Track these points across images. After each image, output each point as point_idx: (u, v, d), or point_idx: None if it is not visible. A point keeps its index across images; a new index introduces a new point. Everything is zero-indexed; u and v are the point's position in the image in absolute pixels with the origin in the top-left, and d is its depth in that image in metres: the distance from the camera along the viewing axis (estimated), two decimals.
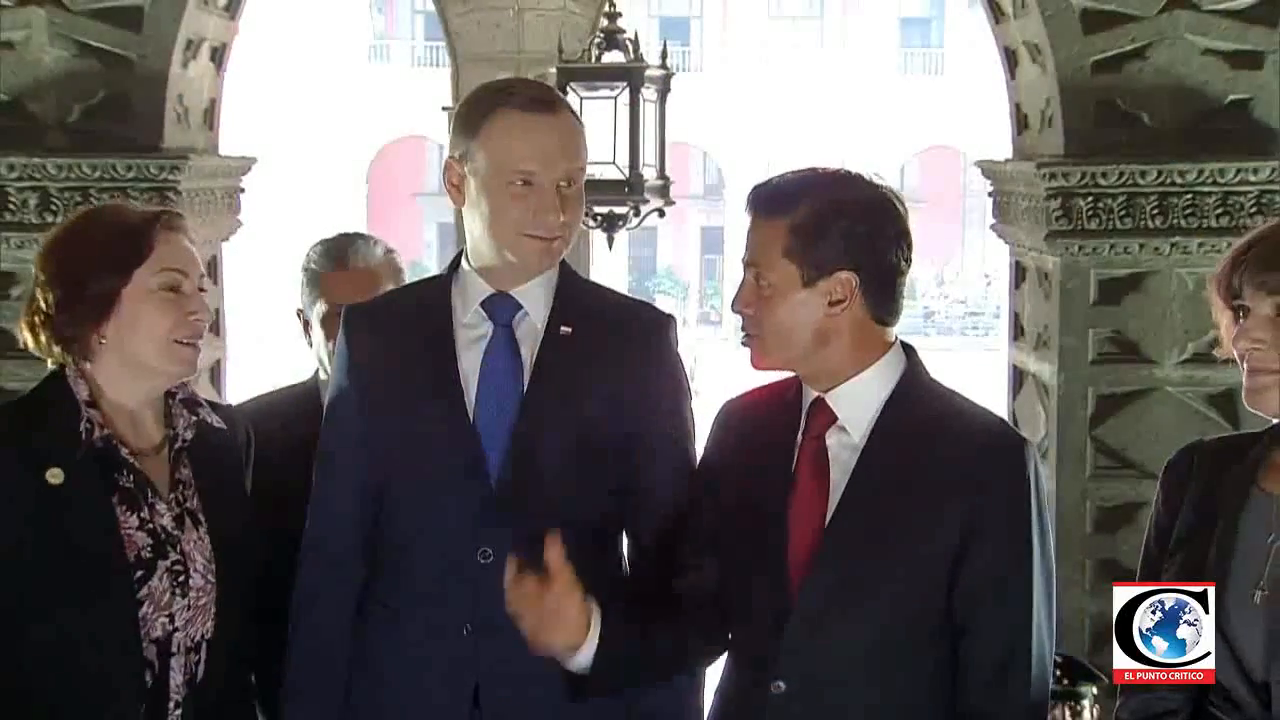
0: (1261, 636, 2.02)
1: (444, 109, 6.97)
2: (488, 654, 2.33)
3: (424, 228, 28.25)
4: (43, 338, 2.28)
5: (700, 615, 2.26)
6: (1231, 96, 4.43)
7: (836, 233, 2.14)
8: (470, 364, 2.38)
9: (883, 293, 2.18)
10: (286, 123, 24.60)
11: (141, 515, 2.23)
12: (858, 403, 2.19)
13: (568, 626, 2.12)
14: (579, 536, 2.35)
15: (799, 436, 2.22)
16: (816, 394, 2.21)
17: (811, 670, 2.12)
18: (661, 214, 5.41)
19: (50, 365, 2.29)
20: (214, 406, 2.44)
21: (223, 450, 2.38)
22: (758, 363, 2.22)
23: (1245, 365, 2.07)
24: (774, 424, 2.25)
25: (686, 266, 31.50)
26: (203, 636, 2.26)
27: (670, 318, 2.50)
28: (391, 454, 2.39)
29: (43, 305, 2.27)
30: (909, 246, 2.20)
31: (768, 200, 2.20)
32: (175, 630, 2.22)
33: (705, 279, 31.45)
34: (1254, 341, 2.05)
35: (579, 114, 2.53)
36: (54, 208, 4.55)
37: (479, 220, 2.37)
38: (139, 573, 2.19)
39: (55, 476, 2.17)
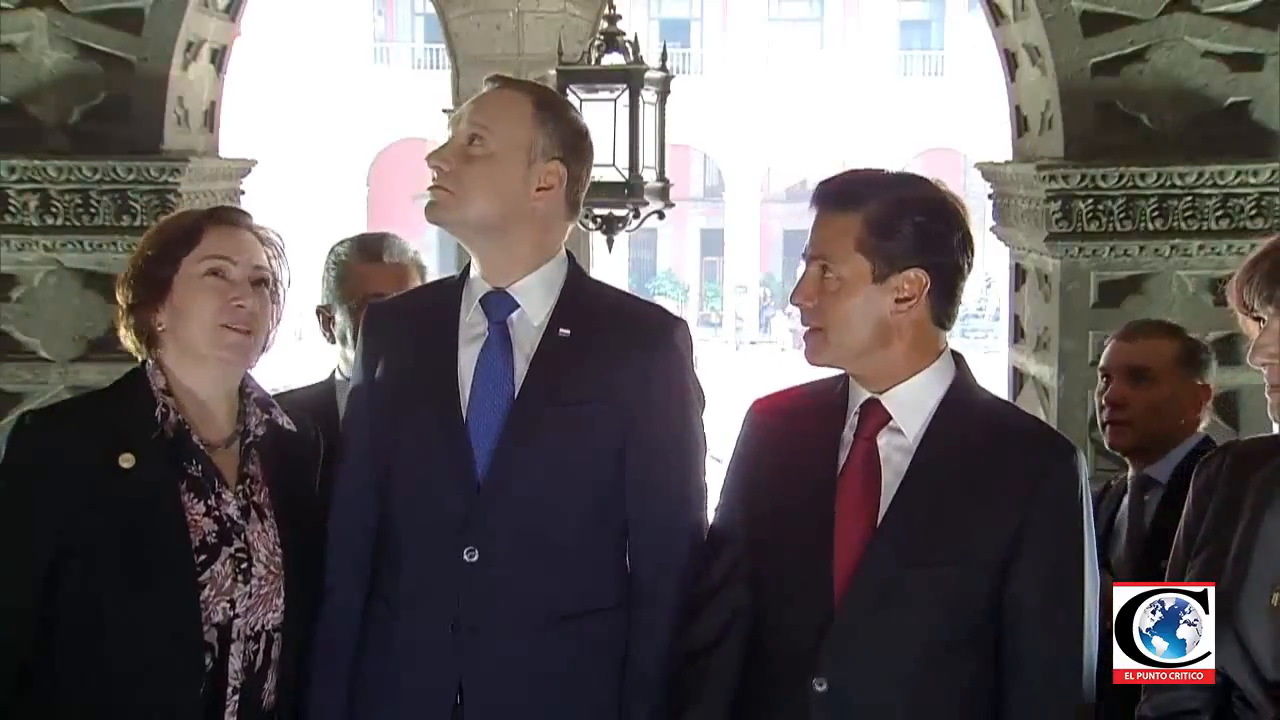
0: (1274, 636, 2.02)
1: (444, 111, 6.98)
2: (472, 651, 2.33)
3: (424, 229, 28.15)
4: (122, 331, 2.39)
5: (735, 654, 2.27)
6: (1231, 99, 4.43)
7: (910, 229, 2.15)
8: (468, 362, 2.38)
9: (946, 294, 2.19)
10: (287, 125, 24.62)
11: (208, 503, 2.29)
12: (912, 405, 2.19)
13: None
14: (570, 539, 2.36)
15: (847, 436, 2.21)
16: (869, 395, 2.21)
17: (855, 670, 2.12)
18: (661, 216, 5.41)
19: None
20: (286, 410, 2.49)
21: (293, 450, 2.44)
22: (814, 358, 2.21)
23: (1267, 380, 2.07)
24: (815, 424, 2.24)
25: (686, 268, 31.49)
26: (263, 626, 2.32)
27: (679, 321, 2.47)
28: (393, 449, 2.40)
29: (121, 301, 2.38)
30: (973, 251, 2.21)
31: (839, 194, 2.20)
32: (236, 617, 2.28)
33: (705, 281, 31.45)
34: (1269, 356, 2.05)
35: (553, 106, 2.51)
36: (54, 210, 4.56)
37: None
38: (202, 557, 2.26)
39: (127, 461, 2.24)
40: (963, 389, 2.22)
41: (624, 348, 2.39)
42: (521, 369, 2.37)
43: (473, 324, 2.40)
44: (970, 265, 2.21)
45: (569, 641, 2.35)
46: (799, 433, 2.25)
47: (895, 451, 2.18)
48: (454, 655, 2.33)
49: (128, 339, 2.37)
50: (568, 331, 2.38)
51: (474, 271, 2.45)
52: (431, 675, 2.34)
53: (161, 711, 2.24)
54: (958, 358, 2.25)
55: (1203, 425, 3.16)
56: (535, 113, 2.40)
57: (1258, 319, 2.07)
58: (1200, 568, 2.11)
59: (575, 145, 2.44)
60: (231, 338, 2.31)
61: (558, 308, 2.41)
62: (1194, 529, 2.18)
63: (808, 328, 2.20)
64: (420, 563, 2.37)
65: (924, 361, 2.20)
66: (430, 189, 2.41)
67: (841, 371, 2.27)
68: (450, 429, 2.35)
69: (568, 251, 2.49)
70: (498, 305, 2.40)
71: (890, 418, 2.19)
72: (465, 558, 2.32)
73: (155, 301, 2.32)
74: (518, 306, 2.40)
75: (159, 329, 2.33)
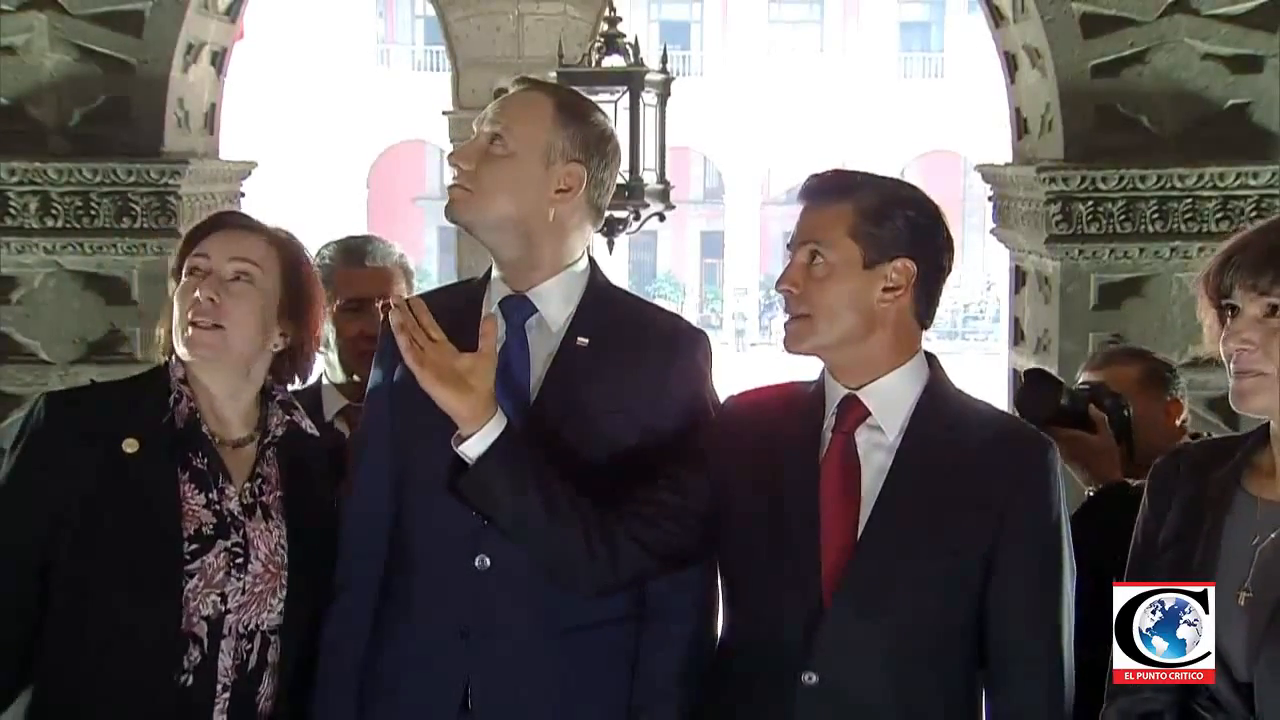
0: (1244, 637, 2.03)
1: (444, 113, 6.99)
2: (480, 658, 2.33)
3: (424, 232, 28.24)
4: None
5: (623, 519, 2.26)
6: (1231, 101, 4.44)
7: (901, 220, 2.18)
8: None
9: (929, 290, 2.22)
10: (287, 127, 24.63)
11: (209, 495, 2.30)
12: (890, 401, 2.20)
13: (450, 375, 2.17)
14: None
15: (825, 434, 2.22)
16: (846, 391, 2.22)
17: (845, 663, 2.14)
18: (661, 218, 5.42)
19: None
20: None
21: (312, 455, 2.45)
22: (796, 345, 2.21)
23: (1233, 366, 2.07)
24: (794, 420, 2.25)
25: (686, 271, 31.50)
26: (258, 626, 2.31)
27: (699, 333, 2.46)
28: (407, 452, 2.40)
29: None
30: (953, 253, 2.25)
31: (832, 184, 2.23)
32: (227, 612, 2.28)
33: (705, 283, 31.46)
34: (1243, 342, 2.05)
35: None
36: (54, 212, 4.56)
37: None
38: (194, 546, 2.26)
39: (130, 446, 2.26)
40: (938, 387, 2.24)
41: (641, 359, 2.37)
42: (538, 376, 2.37)
43: None
44: (950, 267, 2.25)
45: (578, 651, 2.34)
46: (777, 428, 2.26)
47: (875, 449, 2.19)
48: (462, 660, 2.33)
49: (157, 344, 2.41)
50: (586, 340, 2.37)
51: (495, 273, 2.45)
52: (440, 679, 2.34)
53: (140, 696, 2.25)
54: (931, 357, 2.27)
55: (1187, 436, 3.17)
56: (555, 114, 2.39)
57: (1227, 308, 2.07)
58: (1166, 571, 2.12)
59: (597, 148, 2.42)
60: (192, 333, 2.29)
61: (577, 315, 2.39)
62: (1151, 528, 2.18)
63: (791, 315, 2.21)
64: (433, 568, 2.36)
65: (902, 358, 2.22)
66: (450, 188, 2.41)
67: (815, 375, 2.29)
68: None
69: (591, 259, 2.48)
70: (516, 309, 2.39)
71: (868, 414, 2.20)
72: (477, 565, 2.32)
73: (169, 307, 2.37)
74: (536, 311, 2.39)
75: (169, 331, 2.35)
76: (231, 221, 2.40)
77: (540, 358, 2.38)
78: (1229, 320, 2.06)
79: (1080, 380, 3.10)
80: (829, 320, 2.18)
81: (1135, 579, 2.15)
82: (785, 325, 2.23)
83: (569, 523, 2.22)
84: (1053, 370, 4.61)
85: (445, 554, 2.34)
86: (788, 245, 2.25)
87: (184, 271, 2.34)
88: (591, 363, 2.36)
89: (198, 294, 2.29)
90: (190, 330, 2.29)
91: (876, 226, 2.17)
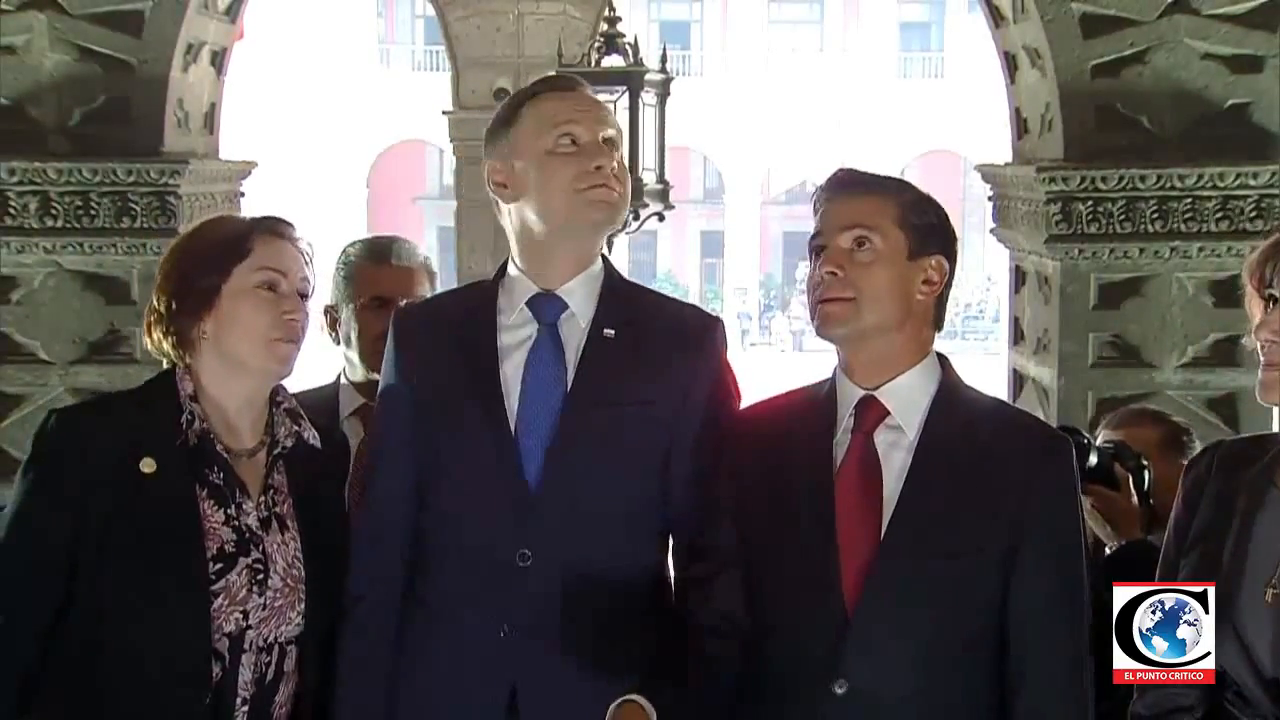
0: (1272, 634, 2.03)
1: (444, 113, 7.00)
2: (525, 655, 2.32)
3: (424, 231, 28.22)
4: (155, 335, 2.37)
5: (724, 642, 2.24)
6: (1231, 101, 4.44)
7: (934, 218, 2.23)
8: (513, 367, 2.38)
9: (946, 294, 2.26)
10: (287, 126, 24.63)
11: (228, 512, 2.29)
12: (908, 400, 2.21)
13: None
14: (619, 540, 2.37)
15: (842, 436, 2.22)
16: (863, 392, 2.22)
17: (874, 670, 2.13)
18: (661, 218, 5.43)
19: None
20: (312, 421, 2.48)
21: (320, 463, 2.44)
22: (834, 327, 2.20)
23: (1262, 357, 2.08)
24: (805, 426, 2.25)
25: (686, 270, 31.50)
26: (276, 639, 2.31)
27: (717, 321, 2.49)
28: (435, 454, 2.39)
29: (156, 304, 2.36)
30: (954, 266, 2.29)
31: (866, 178, 2.27)
32: (248, 628, 2.27)
33: (705, 283, 31.46)
34: (1274, 334, 2.06)
35: None
36: (54, 212, 4.56)
37: (533, 198, 2.38)
38: (218, 566, 2.25)
39: (148, 466, 2.25)
40: (952, 386, 2.25)
41: (667, 349, 2.40)
42: (571, 364, 2.38)
43: (517, 326, 2.40)
44: (953, 276, 2.28)
45: (619, 648, 2.31)
46: (788, 436, 2.25)
47: (893, 449, 2.19)
48: (506, 659, 2.33)
49: (162, 344, 2.36)
50: (612, 332, 2.39)
51: (513, 272, 2.45)
52: (484, 679, 2.33)
53: (164, 716, 2.24)
54: (942, 357, 2.29)
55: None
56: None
57: (1269, 299, 2.08)
58: (1194, 566, 2.12)
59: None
60: (280, 349, 2.31)
61: (600, 309, 2.42)
62: (1184, 527, 2.19)
63: (831, 298, 2.19)
64: (471, 567, 2.35)
65: (918, 356, 2.23)
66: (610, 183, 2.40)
67: (824, 379, 2.29)
68: (499, 435, 2.35)
69: (603, 254, 2.50)
70: (548, 307, 2.40)
71: (887, 413, 2.20)
72: (519, 561, 2.32)
73: (200, 310, 2.31)
74: (567, 308, 2.41)
75: (202, 337, 2.32)
76: (286, 233, 2.39)
77: (570, 352, 2.40)
78: (1268, 310, 2.08)
79: (1101, 439, 3.10)
80: (874, 304, 2.18)
81: (1165, 578, 2.15)
82: (821, 306, 2.21)
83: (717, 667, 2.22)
84: (1051, 371, 4.62)
85: (485, 553, 2.34)
86: (812, 236, 2.25)
87: (255, 283, 2.31)
88: (620, 354, 2.39)
89: (296, 316, 2.32)
90: (281, 347, 2.31)
91: (919, 219, 2.21)
